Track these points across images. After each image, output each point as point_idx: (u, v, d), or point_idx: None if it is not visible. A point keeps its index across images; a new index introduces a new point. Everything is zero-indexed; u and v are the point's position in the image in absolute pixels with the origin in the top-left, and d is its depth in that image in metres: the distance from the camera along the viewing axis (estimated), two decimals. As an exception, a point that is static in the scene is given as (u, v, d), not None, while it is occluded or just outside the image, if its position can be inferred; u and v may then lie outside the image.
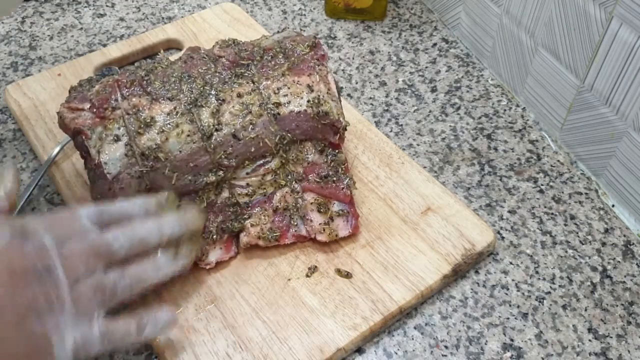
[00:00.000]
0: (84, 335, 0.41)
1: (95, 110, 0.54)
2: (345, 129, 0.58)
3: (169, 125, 0.53)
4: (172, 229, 0.48)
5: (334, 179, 0.58)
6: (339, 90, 0.60)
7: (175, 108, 0.54)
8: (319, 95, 0.57)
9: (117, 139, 0.53)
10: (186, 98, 0.55)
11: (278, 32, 0.63)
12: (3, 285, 0.39)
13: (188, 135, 0.53)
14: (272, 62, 0.59)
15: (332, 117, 0.57)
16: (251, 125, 0.55)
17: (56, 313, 0.40)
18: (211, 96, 0.55)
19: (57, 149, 0.65)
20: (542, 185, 0.66)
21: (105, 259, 0.44)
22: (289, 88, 0.57)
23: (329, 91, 0.58)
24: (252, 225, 0.56)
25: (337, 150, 0.59)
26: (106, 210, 0.47)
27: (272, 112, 0.56)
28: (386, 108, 0.74)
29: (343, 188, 0.58)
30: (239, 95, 0.56)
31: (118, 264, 0.45)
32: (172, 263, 0.49)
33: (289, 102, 0.56)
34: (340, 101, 0.59)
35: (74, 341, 0.41)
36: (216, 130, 0.54)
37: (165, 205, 0.51)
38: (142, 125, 0.53)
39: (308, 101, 0.56)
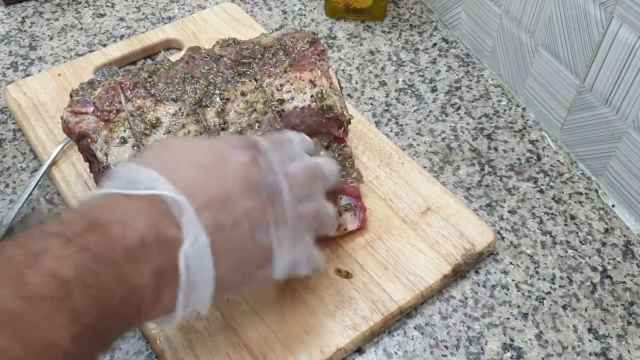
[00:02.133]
0: (300, 254, 0.45)
1: (99, 113, 0.54)
2: (349, 122, 0.58)
3: (175, 126, 0.53)
4: (337, 169, 0.51)
5: (342, 173, 0.58)
6: (341, 85, 0.60)
7: (180, 109, 0.54)
8: (321, 90, 0.57)
9: (123, 141, 0.53)
10: (190, 99, 0.55)
11: (277, 29, 0.63)
12: (244, 198, 0.42)
13: (195, 135, 0.53)
14: (274, 60, 0.59)
15: (336, 111, 0.57)
16: (257, 123, 0.55)
17: (280, 229, 0.43)
18: (215, 96, 0.55)
19: (57, 149, 0.65)
20: (542, 185, 0.66)
21: (321, 183, 0.47)
22: (291, 84, 0.57)
23: (331, 85, 0.58)
24: None
25: (342, 145, 0.59)
26: (306, 139, 0.50)
27: (277, 109, 0.56)
28: (386, 108, 0.74)
29: (351, 182, 0.58)
30: (243, 94, 0.56)
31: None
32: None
33: (292, 98, 0.56)
34: (342, 95, 0.59)
35: (292, 259, 0.45)
36: (222, 129, 0.54)
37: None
38: (148, 127, 0.53)
39: (311, 96, 0.56)
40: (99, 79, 0.72)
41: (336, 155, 0.58)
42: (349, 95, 0.75)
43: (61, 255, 0.34)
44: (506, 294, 0.57)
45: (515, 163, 0.68)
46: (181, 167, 0.42)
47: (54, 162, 0.65)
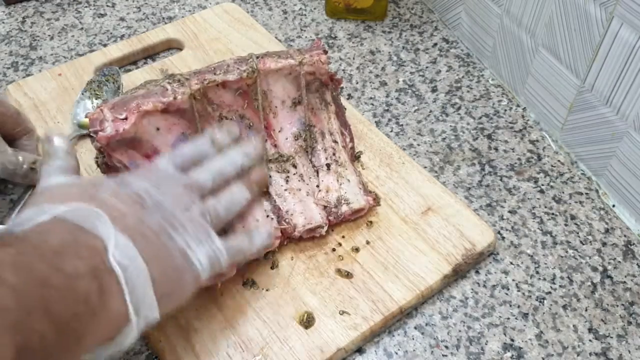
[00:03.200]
0: (211, 249, 0.47)
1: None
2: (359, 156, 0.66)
3: None
4: (241, 159, 0.54)
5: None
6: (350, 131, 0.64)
7: None
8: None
9: None
10: None
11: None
12: (132, 214, 0.43)
13: None
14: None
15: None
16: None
17: (179, 231, 0.45)
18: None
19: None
20: (542, 185, 0.66)
21: (197, 193, 0.50)
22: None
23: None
24: None
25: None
26: (180, 154, 0.53)
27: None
28: (387, 108, 0.74)
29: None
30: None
31: (208, 196, 0.51)
32: (250, 189, 0.54)
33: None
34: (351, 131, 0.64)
35: (207, 254, 0.46)
36: None
37: (227, 138, 0.56)
38: None
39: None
40: (99, 79, 0.72)
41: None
42: (349, 95, 0.76)
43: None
44: (506, 294, 0.57)
45: (515, 163, 0.68)
46: (71, 197, 0.43)
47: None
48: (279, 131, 0.61)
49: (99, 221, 0.40)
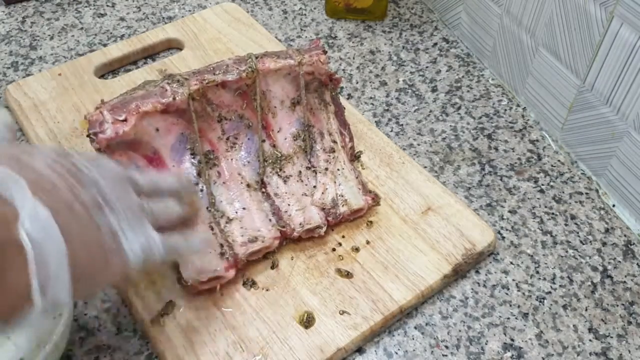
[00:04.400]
0: (147, 239, 0.44)
1: None
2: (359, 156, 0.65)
3: None
4: (174, 181, 0.52)
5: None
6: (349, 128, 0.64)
7: None
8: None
9: None
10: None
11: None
12: (64, 186, 0.40)
13: None
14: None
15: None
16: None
17: (114, 212, 0.42)
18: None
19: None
20: (542, 185, 0.66)
21: (134, 188, 0.47)
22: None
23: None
24: None
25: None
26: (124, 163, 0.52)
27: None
28: (387, 108, 0.74)
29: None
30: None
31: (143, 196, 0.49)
32: (182, 206, 0.52)
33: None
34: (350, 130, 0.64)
35: (140, 244, 0.44)
36: None
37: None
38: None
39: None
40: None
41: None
42: (349, 95, 0.76)
43: None
44: (506, 294, 0.57)
45: (515, 163, 0.68)
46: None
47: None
48: (278, 131, 0.61)
49: (15, 187, 0.36)
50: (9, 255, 0.34)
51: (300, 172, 0.60)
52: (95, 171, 0.43)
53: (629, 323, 0.55)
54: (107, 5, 0.88)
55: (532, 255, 0.60)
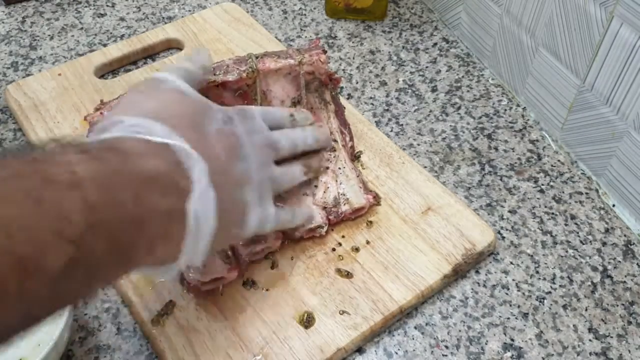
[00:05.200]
0: (264, 212, 0.49)
1: None
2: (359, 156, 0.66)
3: None
4: (313, 139, 0.57)
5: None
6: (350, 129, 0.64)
7: None
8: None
9: None
10: None
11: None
12: (228, 163, 0.45)
13: None
14: None
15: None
16: None
17: (253, 187, 0.47)
18: None
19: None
20: (542, 185, 0.66)
21: (274, 153, 0.52)
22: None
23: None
24: None
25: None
26: (271, 112, 0.55)
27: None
28: (386, 108, 0.74)
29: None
30: None
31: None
32: (306, 173, 0.57)
33: None
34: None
35: (259, 217, 0.48)
36: None
37: (302, 121, 0.58)
38: None
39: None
40: None
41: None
42: (349, 95, 0.76)
43: (75, 159, 0.34)
44: (506, 294, 0.57)
45: (515, 163, 0.68)
46: (182, 125, 0.43)
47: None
48: None
49: (197, 166, 0.40)
50: (174, 226, 0.39)
51: None
52: (249, 143, 0.48)
53: (629, 323, 0.55)
54: (107, 5, 0.88)
55: (532, 255, 0.60)
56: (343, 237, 0.59)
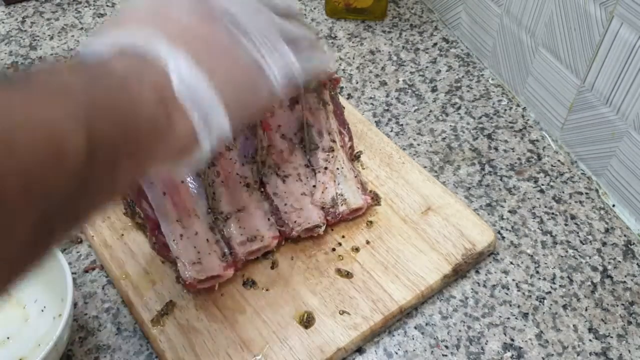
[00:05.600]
0: (285, 62, 0.45)
1: None
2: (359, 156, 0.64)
3: None
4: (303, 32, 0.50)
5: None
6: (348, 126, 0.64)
7: None
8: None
9: None
10: None
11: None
12: (203, 24, 0.43)
13: None
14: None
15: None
16: None
17: (250, 39, 0.44)
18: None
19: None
20: (542, 185, 0.66)
21: (270, 7, 0.47)
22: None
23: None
24: None
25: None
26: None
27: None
28: (386, 108, 0.74)
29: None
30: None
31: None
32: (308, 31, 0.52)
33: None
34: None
35: (281, 69, 0.45)
36: None
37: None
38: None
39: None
40: None
41: None
42: (349, 95, 0.75)
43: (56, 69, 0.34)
44: (506, 294, 0.57)
45: (515, 163, 0.68)
46: (147, 20, 0.42)
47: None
48: (277, 131, 0.61)
49: (161, 45, 0.39)
50: (172, 107, 0.38)
51: (299, 171, 0.60)
52: (226, 1, 0.45)
53: (629, 323, 0.55)
54: (107, 5, 0.88)
55: (532, 255, 0.60)
56: (343, 237, 0.59)
